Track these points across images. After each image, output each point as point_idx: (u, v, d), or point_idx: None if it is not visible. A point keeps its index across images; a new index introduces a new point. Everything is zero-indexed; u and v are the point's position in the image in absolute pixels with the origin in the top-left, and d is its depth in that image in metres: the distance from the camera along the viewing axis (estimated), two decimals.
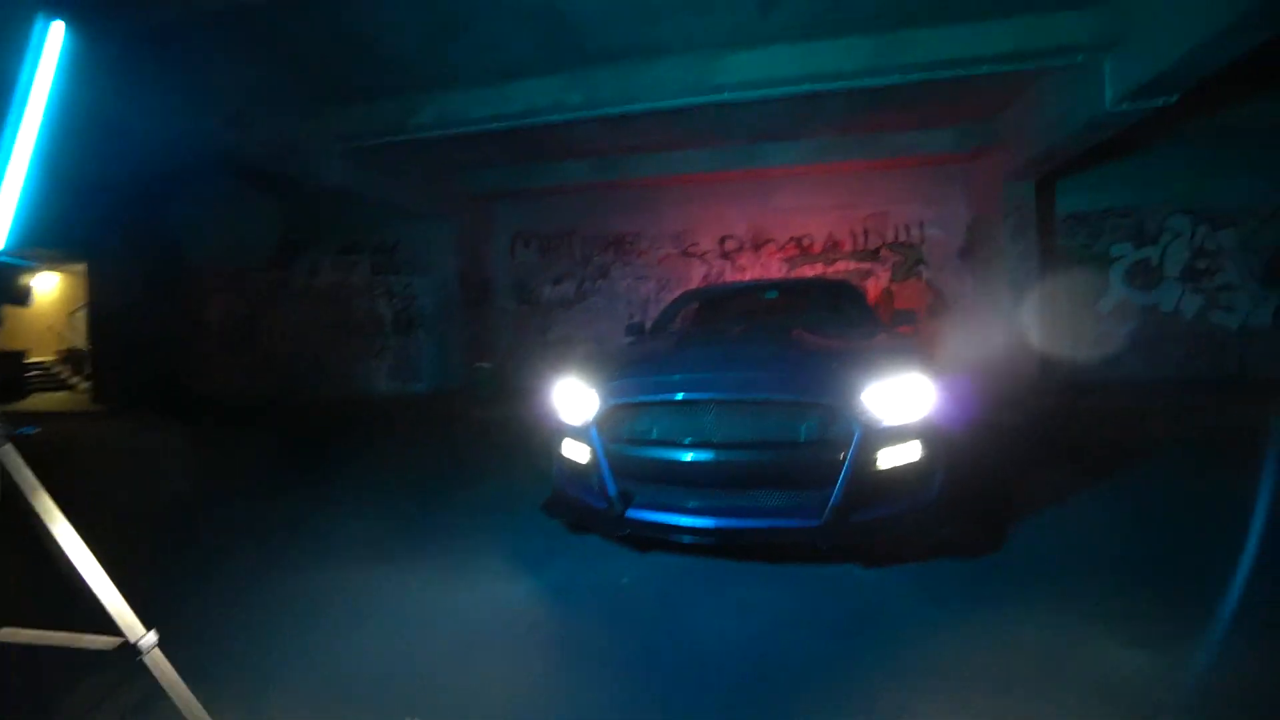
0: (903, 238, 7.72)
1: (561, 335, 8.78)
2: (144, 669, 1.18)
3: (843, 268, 7.88)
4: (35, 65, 1.09)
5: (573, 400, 2.60)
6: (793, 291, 4.30)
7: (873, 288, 7.74)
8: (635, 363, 2.83)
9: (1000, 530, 2.57)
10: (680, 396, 2.28)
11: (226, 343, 9.67)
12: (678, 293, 6.54)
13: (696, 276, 8.36)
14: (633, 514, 2.29)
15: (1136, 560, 2.24)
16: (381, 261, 9.09)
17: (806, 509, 2.16)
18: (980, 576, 2.15)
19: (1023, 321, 6.51)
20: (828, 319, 3.61)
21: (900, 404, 2.20)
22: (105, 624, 1.15)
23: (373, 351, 9.09)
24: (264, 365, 9.43)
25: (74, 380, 10.90)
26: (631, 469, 2.34)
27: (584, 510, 2.50)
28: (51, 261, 11.87)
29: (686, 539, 2.20)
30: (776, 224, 8.08)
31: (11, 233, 1.06)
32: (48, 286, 12.78)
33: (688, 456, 2.21)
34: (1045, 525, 2.63)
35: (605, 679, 1.66)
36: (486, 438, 5.25)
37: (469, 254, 8.62)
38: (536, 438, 3.11)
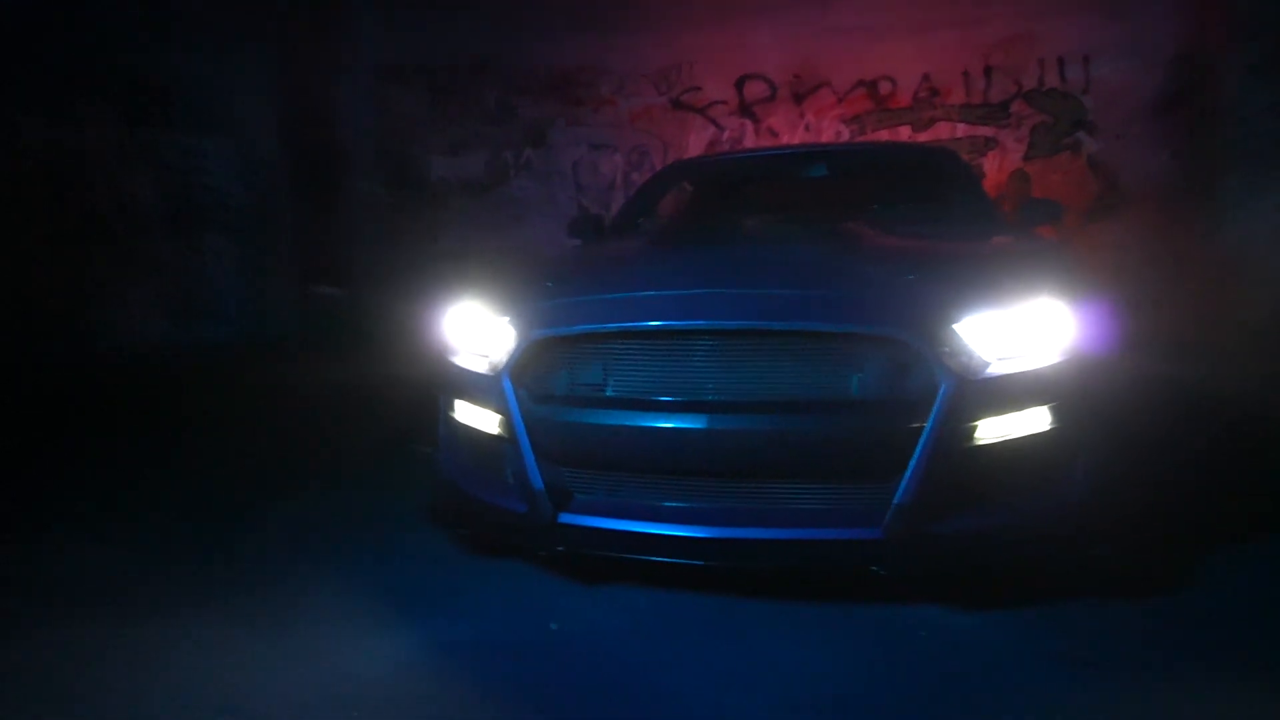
0: (1052, 82, 7.76)
1: (464, 242, 8.75)
2: None
3: (945, 133, 7.90)
4: None
5: (472, 334, 2.63)
6: (853, 166, 4.36)
7: (994, 167, 7.82)
8: (580, 274, 2.87)
9: (1188, 557, 2.68)
10: (655, 324, 2.32)
11: None
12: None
13: (696, 144, 8.36)
14: (571, 520, 2.35)
15: None
16: (142, 110, 8.80)
17: (858, 512, 2.22)
18: (1151, 635, 2.22)
19: (1263, 230, 6.64)
20: (909, 210, 3.67)
21: (1021, 344, 2.27)
22: None
23: (128, 272, 8.89)
24: None
25: None
26: (570, 447, 2.39)
27: (491, 516, 2.56)
28: None
29: (661, 559, 2.27)
30: (834, 57, 8.05)
31: None
32: None
33: (664, 425, 2.26)
34: (1258, 554, 2.76)
35: None
36: (334, 414, 5.25)
37: (302, 102, 8.45)
38: (424, 410, 3.15)
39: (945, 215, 3.56)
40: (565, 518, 2.37)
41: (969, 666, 2.10)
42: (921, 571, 2.32)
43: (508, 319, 2.53)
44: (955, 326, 2.22)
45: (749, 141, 8.22)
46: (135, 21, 7.61)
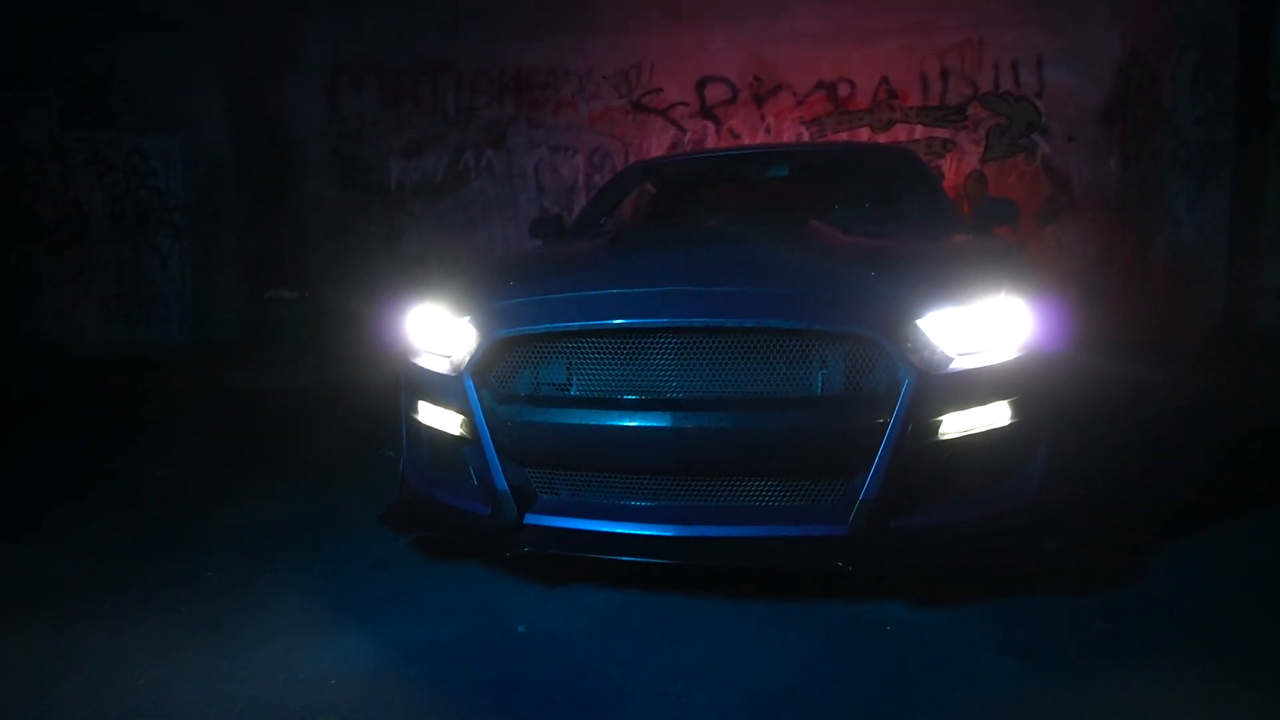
0: (1007, 86, 7.92)
1: (422, 246, 8.71)
2: None
3: (904, 134, 8.02)
4: None
5: (433, 335, 2.62)
6: (814, 166, 4.41)
7: (952, 170, 7.95)
8: (542, 273, 2.86)
9: (1137, 549, 2.74)
10: (618, 322, 2.31)
11: None
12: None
13: (658, 146, 8.40)
14: (536, 520, 2.36)
15: None
16: (83, 106, 8.59)
17: (823, 509, 2.25)
18: (1106, 626, 2.26)
19: (1203, 233, 6.82)
20: (870, 209, 3.72)
21: (981, 339, 2.30)
22: None
23: (67, 273, 8.67)
24: None
25: None
26: (534, 447, 2.39)
27: (453, 518, 2.55)
28: None
29: (627, 558, 2.26)
30: (794, 61, 8.13)
31: None
32: None
33: (630, 424, 2.26)
34: (1213, 547, 2.82)
35: None
36: (289, 418, 5.20)
37: (252, 100, 8.36)
38: (385, 413, 3.11)
39: (905, 214, 3.61)
40: (530, 519, 2.37)
41: (929, 660, 2.12)
42: (886, 567, 2.33)
43: (468, 319, 2.51)
44: (918, 323, 2.24)
45: (710, 143, 8.27)
46: (72, 12, 7.39)
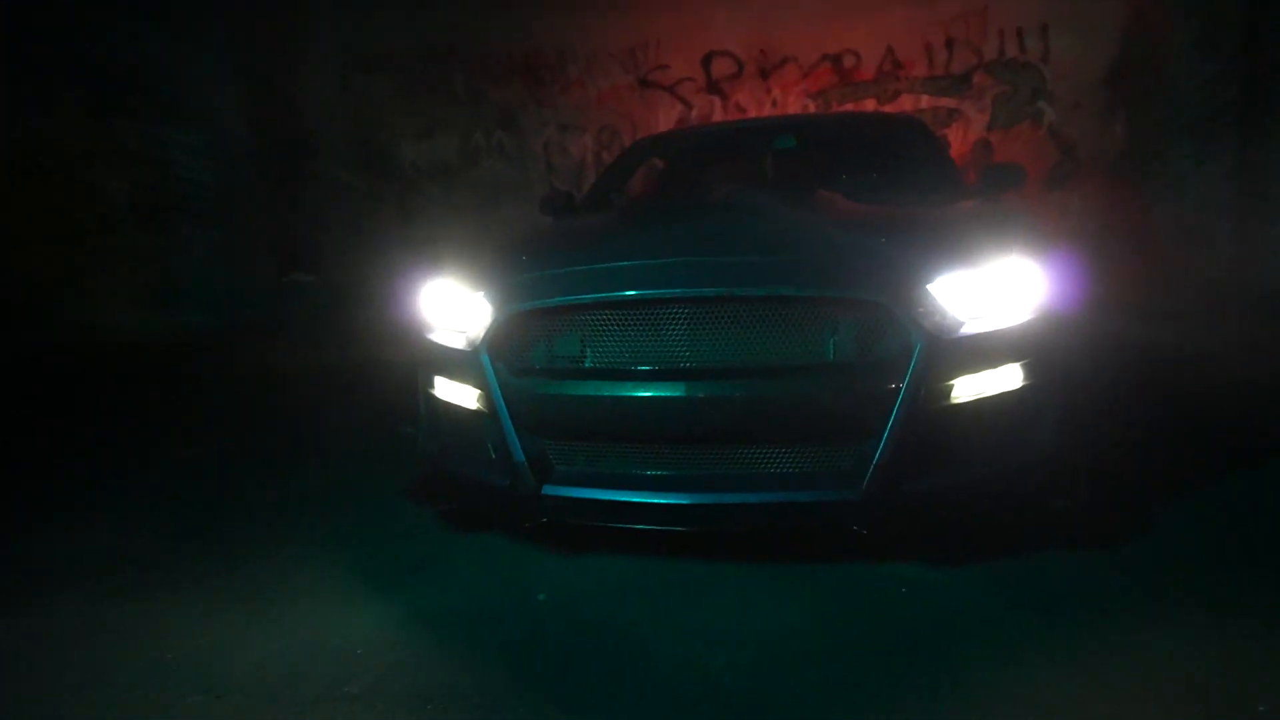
0: (1012, 53, 7.80)
1: (435, 227, 8.72)
2: None
3: (909, 104, 7.94)
4: None
5: (448, 311, 2.63)
6: (821, 136, 4.38)
7: (959, 138, 7.87)
8: (555, 247, 2.86)
9: (1146, 507, 2.76)
10: (631, 294, 2.32)
11: None
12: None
13: (665, 122, 8.36)
14: (554, 491, 2.37)
15: None
16: (107, 99, 8.61)
17: (836, 473, 2.26)
18: (1117, 581, 2.29)
19: (1207, 196, 6.74)
20: (878, 178, 3.70)
21: (991, 303, 2.30)
22: None
23: (97, 260, 8.73)
24: None
25: None
26: (550, 419, 2.40)
27: (474, 490, 2.58)
28: None
29: (644, 526, 2.27)
30: (798, 34, 8.04)
31: None
32: None
33: (644, 394, 2.27)
34: (1219, 503, 2.83)
35: None
36: (313, 396, 5.24)
37: (269, 89, 8.36)
38: (404, 390, 3.12)
39: (913, 182, 3.58)
40: (548, 489, 2.38)
41: (944, 617, 2.14)
42: (900, 529, 2.33)
43: (483, 294, 2.52)
44: (929, 287, 2.24)
45: (717, 118, 8.19)
46: (96, 7, 7.39)
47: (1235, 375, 4.73)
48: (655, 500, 2.29)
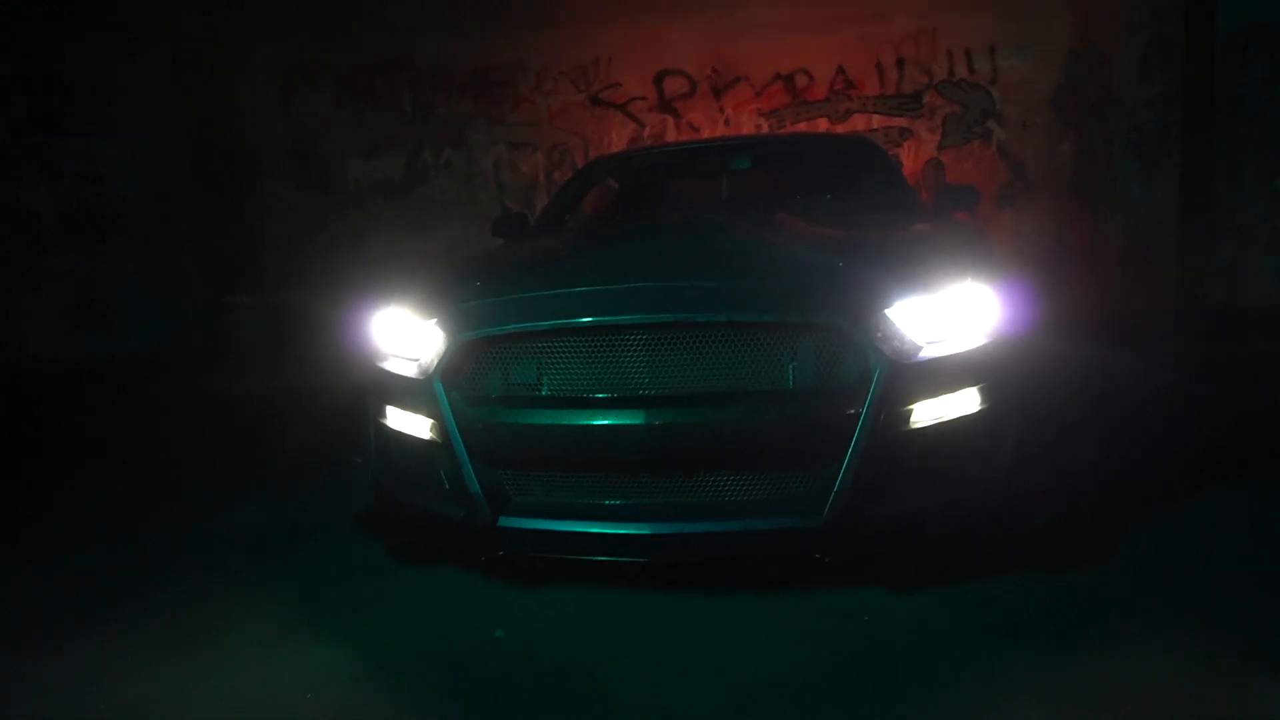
0: (962, 73, 7.98)
1: (383, 246, 8.62)
2: None
3: (861, 124, 8.07)
4: None
5: (400, 338, 2.60)
6: (776, 156, 4.44)
7: (910, 158, 8.02)
8: (508, 273, 2.84)
9: (1111, 527, 2.79)
10: (587, 320, 2.30)
11: None
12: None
13: (618, 141, 8.38)
14: (511, 523, 2.34)
15: None
16: (31, 110, 8.35)
17: (797, 500, 2.25)
18: (1084, 603, 2.31)
19: (1156, 214, 6.92)
20: (833, 199, 3.73)
21: (948, 328, 2.32)
22: None
23: (20, 283, 8.44)
24: None
25: None
26: (506, 448, 2.38)
27: (427, 522, 2.54)
28: None
29: (604, 558, 2.25)
30: (751, 52, 8.12)
31: None
32: None
33: (602, 422, 2.25)
34: (1183, 522, 2.87)
35: None
36: (252, 426, 5.12)
37: (204, 100, 8.20)
38: (350, 419, 3.06)
39: (868, 203, 3.63)
40: (505, 521, 2.35)
41: (910, 644, 2.15)
42: (863, 555, 2.33)
43: (435, 321, 2.48)
44: (887, 312, 2.25)
45: (670, 137, 8.23)
46: (13, 16, 7.18)
47: (1193, 393, 4.85)
48: (615, 531, 2.26)
